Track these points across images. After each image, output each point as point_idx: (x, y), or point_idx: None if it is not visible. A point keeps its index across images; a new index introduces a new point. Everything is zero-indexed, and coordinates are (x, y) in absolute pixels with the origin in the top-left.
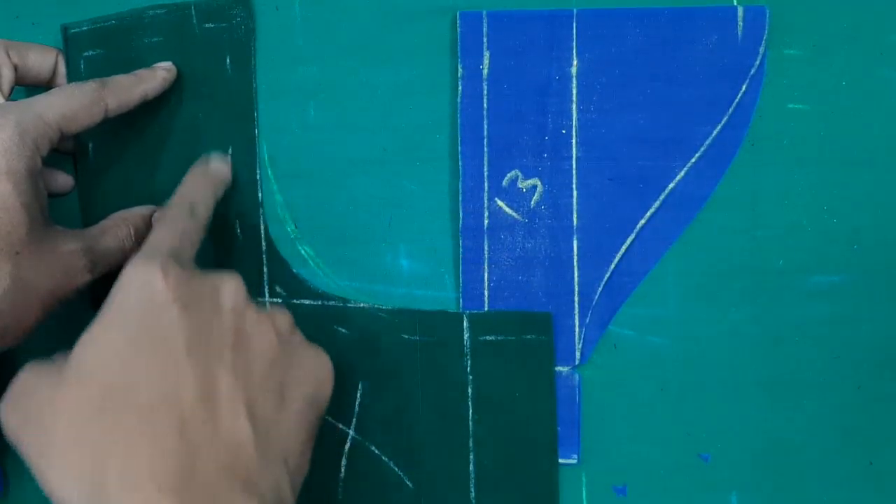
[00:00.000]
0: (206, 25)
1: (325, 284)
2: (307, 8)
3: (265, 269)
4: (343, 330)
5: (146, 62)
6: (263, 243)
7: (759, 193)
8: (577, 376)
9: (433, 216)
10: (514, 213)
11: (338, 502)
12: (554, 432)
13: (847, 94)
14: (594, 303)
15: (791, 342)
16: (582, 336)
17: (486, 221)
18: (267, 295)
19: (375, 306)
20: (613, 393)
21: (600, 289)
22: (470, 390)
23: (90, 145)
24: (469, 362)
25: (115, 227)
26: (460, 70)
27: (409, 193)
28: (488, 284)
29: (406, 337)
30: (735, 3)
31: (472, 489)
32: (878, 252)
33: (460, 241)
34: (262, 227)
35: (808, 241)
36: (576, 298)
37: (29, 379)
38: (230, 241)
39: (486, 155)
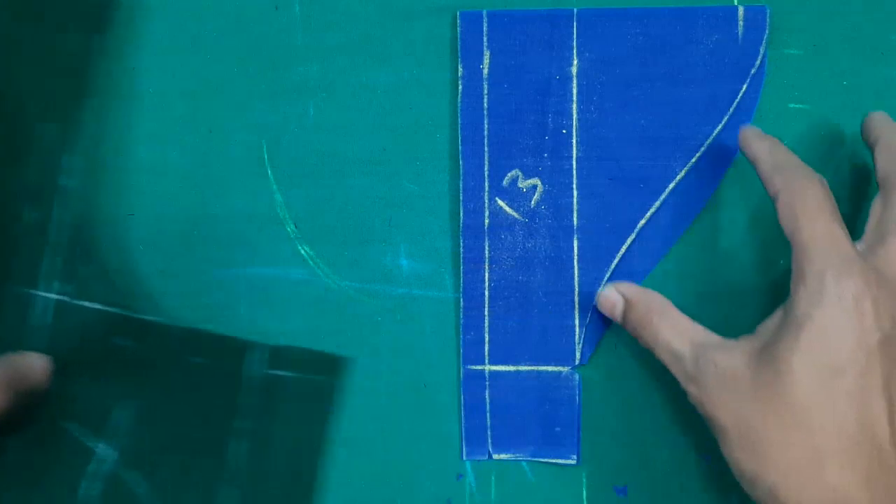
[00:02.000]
0: None
1: (325, 284)
2: (307, 8)
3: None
4: (125, 343)
5: None
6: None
7: (759, 193)
8: (577, 376)
9: (433, 216)
10: (514, 213)
11: None
12: (315, 471)
13: (847, 94)
14: (594, 303)
15: None
16: (582, 336)
17: (486, 221)
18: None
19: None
20: (613, 393)
21: (600, 289)
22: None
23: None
24: (246, 394)
25: None
26: (460, 70)
27: (409, 193)
28: (488, 284)
29: (191, 360)
30: (735, 3)
31: None
32: None
33: (460, 241)
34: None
35: None
36: (576, 298)
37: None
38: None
39: (486, 154)
